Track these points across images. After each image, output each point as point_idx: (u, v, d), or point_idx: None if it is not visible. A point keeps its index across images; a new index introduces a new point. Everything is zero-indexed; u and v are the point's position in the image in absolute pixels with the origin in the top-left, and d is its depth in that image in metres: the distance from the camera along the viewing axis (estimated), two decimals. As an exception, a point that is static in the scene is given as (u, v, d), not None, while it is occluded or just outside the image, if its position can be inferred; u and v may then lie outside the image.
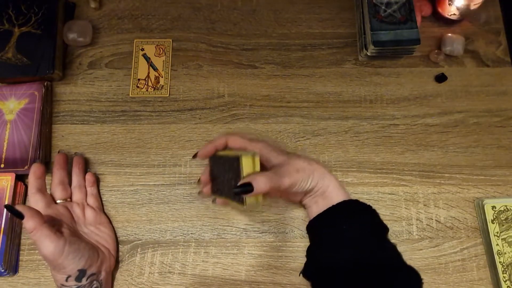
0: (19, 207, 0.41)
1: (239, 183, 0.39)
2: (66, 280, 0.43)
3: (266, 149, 0.45)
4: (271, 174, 0.41)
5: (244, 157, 0.41)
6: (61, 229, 0.45)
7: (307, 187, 0.44)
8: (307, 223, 0.47)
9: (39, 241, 0.41)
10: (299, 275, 0.46)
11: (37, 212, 0.42)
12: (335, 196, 0.44)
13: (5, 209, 0.50)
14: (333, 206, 0.44)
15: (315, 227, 0.46)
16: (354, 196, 0.54)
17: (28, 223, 0.41)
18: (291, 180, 0.42)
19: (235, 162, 0.41)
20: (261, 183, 0.39)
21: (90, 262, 0.45)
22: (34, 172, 0.48)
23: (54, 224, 0.44)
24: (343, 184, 0.47)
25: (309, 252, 0.46)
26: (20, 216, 0.41)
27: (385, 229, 0.45)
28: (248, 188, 0.39)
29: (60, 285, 0.44)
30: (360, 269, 0.41)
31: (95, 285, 0.46)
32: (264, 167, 0.44)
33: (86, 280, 0.44)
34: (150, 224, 0.53)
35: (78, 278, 0.44)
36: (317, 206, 0.45)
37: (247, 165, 0.41)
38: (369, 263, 0.41)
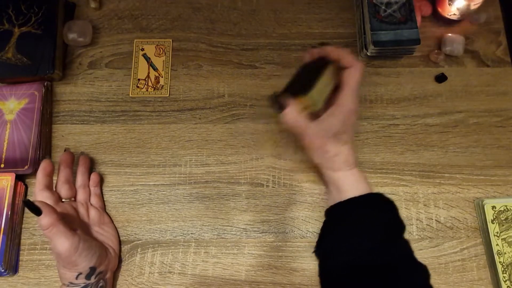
0: (37, 203, 0.40)
1: (280, 99, 0.43)
2: (76, 277, 0.43)
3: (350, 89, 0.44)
4: (304, 120, 0.43)
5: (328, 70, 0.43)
6: (74, 226, 0.45)
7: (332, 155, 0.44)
8: (324, 206, 0.48)
9: (55, 237, 0.41)
10: (313, 252, 0.46)
11: (53, 209, 0.42)
12: (355, 189, 0.44)
13: (5, 209, 0.50)
14: (355, 198, 0.43)
15: (334, 214, 0.46)
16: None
17: (45, 219, 0.40)
18: (318, 144, 0.44)
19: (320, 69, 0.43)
20: (293, 115, 0.43)
21: (100, 260, 0.45)
22: (44, 169, 0.47)
23: (67, 221, 0.44)
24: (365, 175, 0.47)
25: (324, 236, 0.46)
26: (38, 212, 0.40)
27: (401, 227, 0.44)
28: (281, 104, 0.43)
29: (68, 283, 0.44)
30: (378, 264, 0.40)
31: (101, 284, 0.46)
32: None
33: (95, 278, 0.45)
34: (150, 224, 0.53)
35: (88, 276, 0.44)
36: (338, 192, 0.45)
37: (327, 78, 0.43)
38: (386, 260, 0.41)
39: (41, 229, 0.42)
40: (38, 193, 0.46)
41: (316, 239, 0.47)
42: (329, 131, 0.43)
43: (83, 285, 0.44)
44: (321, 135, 0.43)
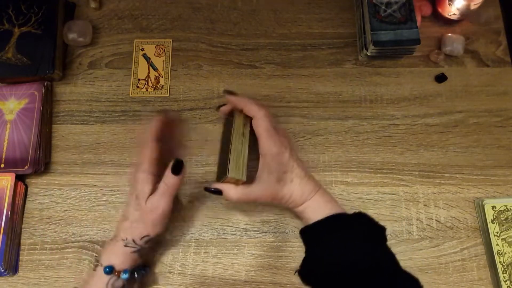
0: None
1: (212, 187, 0.47)
2: (141, 238, 0.44)
3: (266, 132, 0.44)
4: (244, 190, 0.45)
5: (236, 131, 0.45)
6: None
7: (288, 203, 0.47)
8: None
9: (170, 196, 0.44)
10: (295, 273, 0.46)
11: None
12: (321, 212, 0.45)
13: (5, 209, 0.50)
14: (322, 220, 0.44)
15: (309, 234, 0.47)
16: (354, 196, 0.55)
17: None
18: (265, 199, 0.46)
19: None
20: (231, 194, 0.45)
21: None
22: (161, 121, 0.47)
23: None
24: (331, 195, 0.48)
25: (308, 256, 0.46)
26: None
27: (382, 230, 0.45)
28: (218, 193, 0.46)
29: (130, 240, 0.44)
30: (360, 273, 0.40)
31: (146, 250, 0.46)
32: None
33: (146, 243, 0.45)
34: (150, 224, 0.53)
35: (147, 240, 0.45)
36: (307, 221, 0.46)
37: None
38: (368, 267, 0.41)
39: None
40: (150, 142, 0.45)
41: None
42: (270, 183, 0.45)
43: (138, 247, 0.44)
44: (266, 190, 0.45)
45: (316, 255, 0.45)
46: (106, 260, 0.43)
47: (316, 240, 0.45)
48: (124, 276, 0.43)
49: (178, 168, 0.43)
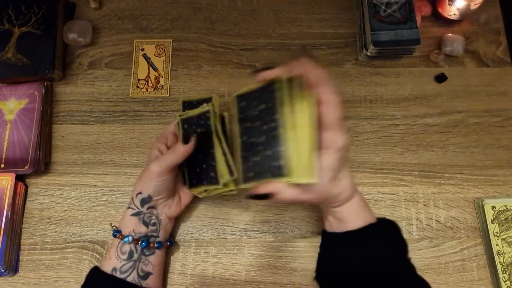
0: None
1: (261, 191, 0.36)
2: (136, 196, 0.46)
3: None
4: (301, 190, 0.36)
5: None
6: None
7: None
8: (317, 224, 0.47)
9: (169, 160, 0.44)
10: (313, 280, 0.46)
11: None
12: (357, 220, 0.42)
13: (5, 209, 0.50)
14: (365, 227, 0.41)
15: (335, 241, 0.44)
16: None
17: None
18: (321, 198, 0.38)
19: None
20: (287, 194, 0.36)
21: (160, 195, 0.47)
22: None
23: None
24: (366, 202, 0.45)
25: (324, 257, 0.45)
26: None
27: (405, 245, 0.43)
28: (266, 198, 0.36)
29: (130, 201, 0.47)
30: (375, 275, 0.40)
31: (153, 220, 0.47)
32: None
33: (147, 209, 0.47)
34: (150, 224, 0.53)
35: (143, 201, 0.46)
36: (340, 223, 0.43)
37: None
38: (385, 271, 0.40)
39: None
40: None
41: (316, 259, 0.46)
42: (327, 181, 0.36)
43: (137, 210, 0.46)
44: (321, 194, 0.37)
45: (344, 260, 0.42)
46: (119, 224, 0.47)
47: (353, 246, 0.42)
48: (126, 240, 0.45)
49: (189, 139, 0.44)
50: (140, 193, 0.46)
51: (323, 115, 0.35)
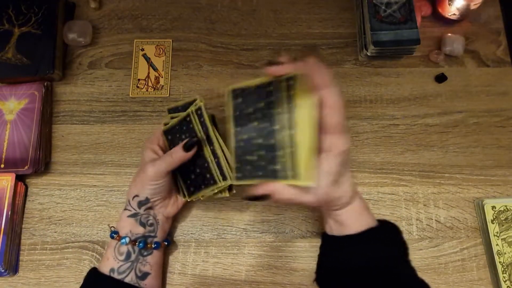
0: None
1: (259, 192, 0.35)
2: (133, 198, 0.46)
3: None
4: (300, 190, 0.36)
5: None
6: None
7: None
8: (313, 225, 0.47)
9: (167, 164, 0.44)
10: (313, 282, 0.45)
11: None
12: (358, 224, 0.42)
13: (5, 209, 0.50)
14: (365, 231, 0.41)
15: (336, 242, 0.43)
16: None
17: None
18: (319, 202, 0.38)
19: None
20: (285, 194, 0.35)
21: (157, 197, 0.47)
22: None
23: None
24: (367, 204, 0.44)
25: (324, 260, 0.45)
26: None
27: (405, 248, 0.43)
28: (264, 199, 0.36)
29: (127, 202, 0.47)
30: (375, 278, 0.40)
31: (150, 221, 0.47)
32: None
33: (144, 210, 0.47)
34: (150, 224, 0.53)
35: (140, 204, 0.46)
36: (340, 226, 0.42)
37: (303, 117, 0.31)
38: (387, 272, 0.40)
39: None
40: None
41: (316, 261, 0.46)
42: (328, 184, 0.36)
43: (133, 211, 0.46)
44: (320, 196, 0.36)
45: (344, 263, 0.42)
46: (117, 225, 0.47)
47: (352, 250, 0.41)
48: (123, 241, 0.45)
49: (191, 147, 0.44)
50: (136, 195, 0.46)
51: (326, 118, 0.34)
